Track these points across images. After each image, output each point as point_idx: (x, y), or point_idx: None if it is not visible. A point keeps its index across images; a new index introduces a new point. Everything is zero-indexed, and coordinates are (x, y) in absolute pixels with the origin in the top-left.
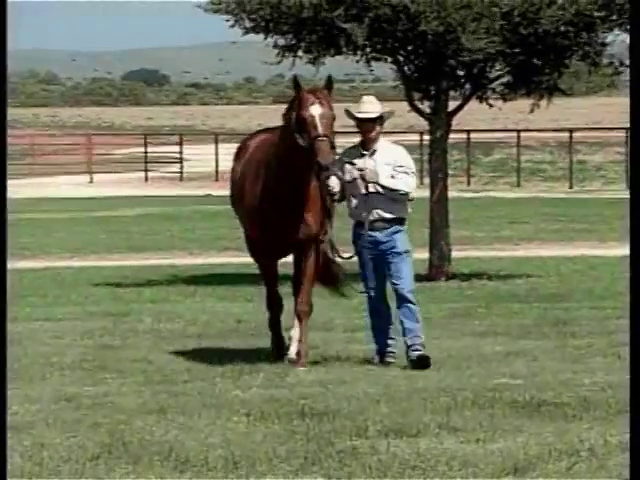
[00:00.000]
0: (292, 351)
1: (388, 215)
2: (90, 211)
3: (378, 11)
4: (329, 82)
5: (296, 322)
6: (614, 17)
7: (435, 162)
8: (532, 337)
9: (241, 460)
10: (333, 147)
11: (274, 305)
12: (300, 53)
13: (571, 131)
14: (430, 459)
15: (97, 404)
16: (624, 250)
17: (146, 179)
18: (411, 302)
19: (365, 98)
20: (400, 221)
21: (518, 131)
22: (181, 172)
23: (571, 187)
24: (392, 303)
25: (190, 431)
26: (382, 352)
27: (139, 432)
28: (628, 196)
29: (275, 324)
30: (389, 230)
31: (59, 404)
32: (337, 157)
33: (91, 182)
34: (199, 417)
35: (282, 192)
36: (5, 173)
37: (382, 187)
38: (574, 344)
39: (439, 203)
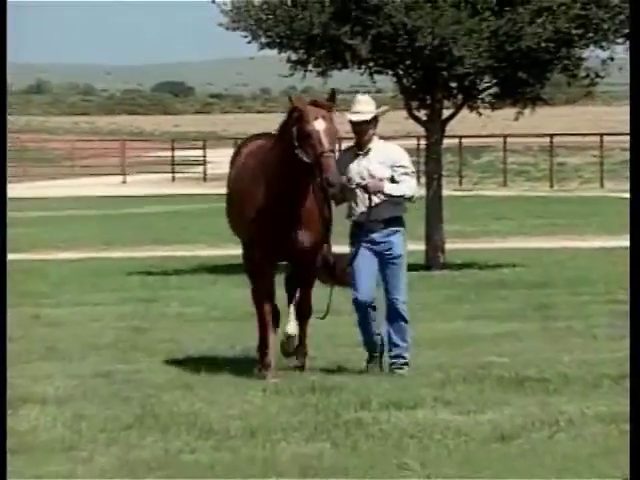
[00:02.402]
0: (289, 328)
1: (386, 215)
2: (123, 208)
3: (380, 29)
4: (332, 96)
5: (291, 316)
6: (590, 34)
7: (430, 164)
8: (517, 320)
9: (258, 429)
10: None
11: (270, 320)
12: (310, 67)
13: (552, 136)
14: (426, 428)
15: (130, 380)
16: (599, 242)
17: (173, 179)
18: (403, 319)
19: (359, 97)
20: (397, 220)
21: (504, 136)
22: (204, 173)
23: (552, 186)
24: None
25: (212, 404)
26: (370, 356)
27: (167, 405)
28: (602, 194)
29: (266, 341)
30: (386, 231)
31: (96, 380)
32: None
33: (124, 182)
34: (220, 392)
35: (280, 204)
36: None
37: (386, 195)
38: (555, 326)
39: (434, 201)
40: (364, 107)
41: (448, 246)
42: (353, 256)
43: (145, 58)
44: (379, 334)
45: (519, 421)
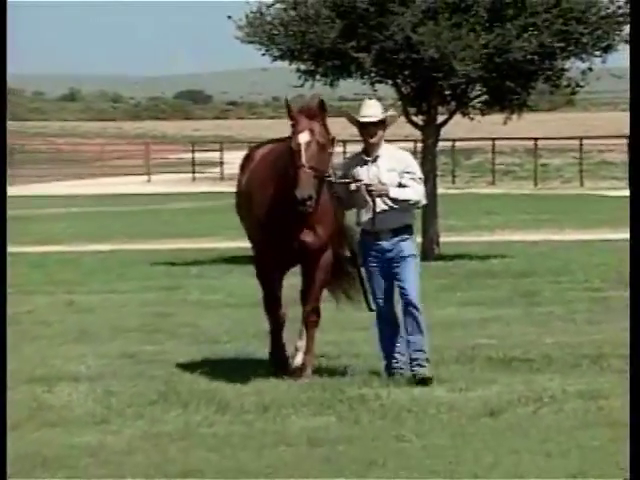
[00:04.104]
0: (297, 361)
1: (395, 224)
2: (148, 205)
3: (383, 43)
4: (321, 104)
5: (303, 331)
6: (571, 48)
7: (426, 165)
8: (504, 306)
9: (270, 405)
10: (318, 176)
11: (277, 321)
12: (318, 77)
13: (536, 140)
14: (422, 404)
15: (154, 360)
16: (578, 236)
17: (193, 179)
18: (416, 307)
19: (367, 101)
20: (407, 229)
21: (493, 140)
22: (222, 173)
23: (536, 185)
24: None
25: (229, 382)
26: (390, 367)
27: (188, 382)
28: (581, 192)
29: (277, 339)
30: (396, 239)
31: (123, 360)
32: (337, 169)
33: (149, 181)
34: (236, 370)
35: (290, 206)
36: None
37: (392, 200)
38: (538, 311)
39: (429, 198)
40: (372, 110)
41: (442, 239)
42: (367, 274)
43: (168, 69)
44: (397, 360)
45: (506, 397)
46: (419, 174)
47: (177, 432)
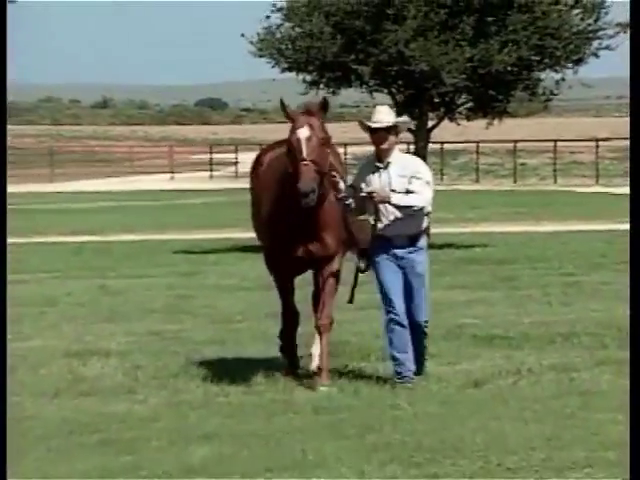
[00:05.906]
0: (314, 366)
1: (407, 232)
2: (171, 200)
3: (379, 57)
4: (324, 104)
5: (316, 337)
6: (546, 60)
7: None
8: (487, 289)
9: (279, 377)
10: (319, 172)
11: (288, 320)
12: (322, 86)
13: (515, 142)
14: (415, 376)
15: (176, 337)
16: (553, 227)
17: (211, 177)
18: (423, 332)
19: (379, 107)
20: (420, 236)
21: (477, 142)
22: (236, 171)
23: (515, 182)
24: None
25: (243, 357)
26: (401, 374)
27: (206, 358)
28: (555, 189)
29: (289, 339)
30: (410, 248)
31: (149, 337)
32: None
33: (172, 179)
34: (249, 347)
35: (296, 211)
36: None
37: (394, 206)
38: (517, 294)
39: None
40: (383, 116)
41: (432, 230)
42: (375, 268)
43: (189, 79)
44: (409, 369)
45: (489, 370)
46: (426, 178)
47: (196, 401)
